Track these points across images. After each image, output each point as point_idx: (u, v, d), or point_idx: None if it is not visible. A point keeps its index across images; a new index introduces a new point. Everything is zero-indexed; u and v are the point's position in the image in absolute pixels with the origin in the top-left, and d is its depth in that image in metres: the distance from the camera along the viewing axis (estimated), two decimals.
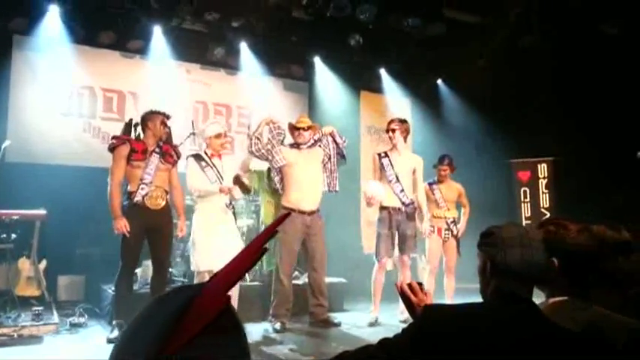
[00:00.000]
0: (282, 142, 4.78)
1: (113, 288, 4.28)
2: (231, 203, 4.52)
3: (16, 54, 5.80)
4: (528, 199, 7.69)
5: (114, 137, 4.33)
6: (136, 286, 4.85)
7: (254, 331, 4.43)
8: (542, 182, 7.65)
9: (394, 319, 4.85)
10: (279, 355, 3.93)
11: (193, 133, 5.31)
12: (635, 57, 6.13)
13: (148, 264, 5.10)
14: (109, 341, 3.92)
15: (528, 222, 7.58)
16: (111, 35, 6.11)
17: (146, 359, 0.61)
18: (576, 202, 6.28)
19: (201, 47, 6.65)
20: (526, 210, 7.69)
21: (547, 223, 1.66)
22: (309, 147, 4.78)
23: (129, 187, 4.17)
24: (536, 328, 1.30)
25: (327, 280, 5.04)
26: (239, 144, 6.73)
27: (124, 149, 4.14)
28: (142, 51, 6.36)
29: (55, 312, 4.60)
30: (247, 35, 6.60)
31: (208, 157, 4.49)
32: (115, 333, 3.98)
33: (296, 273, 5.31)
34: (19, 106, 5.76)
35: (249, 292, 4.90)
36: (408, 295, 1.69)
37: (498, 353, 1.25)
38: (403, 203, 4.86)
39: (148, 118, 4.31)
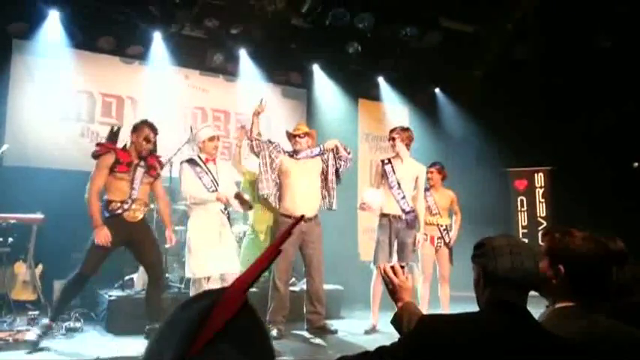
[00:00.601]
0: (280, 151, 4.78)
1: (62, 288, 4.10)
2: (226, 209, 4.47)
3: (15, 58, 5.82)
4: (525, 208, 7.72)
5: (99, 144, 4.21)
6: (131, 292, 4.85)
7: None
8: (539, 191, 7.69)
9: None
10: None
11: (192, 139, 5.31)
12: (629, 68, 6.19)
13: None
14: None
15: (525, 231, 7.61)
16: (110, 40, 6.14)
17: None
18: (573, 211, 6.31)
19: (201, 53, 6.68)
20: (523, 219, 7.72)
21: (552, 230, 1.67)
22: (308, 158, 4.78)
23: (108, 196, 4.05)
24: (530, 336, 1.31)
25: (324, 287, 5.04)
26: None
27: (109, 159, 4.01)
28: (141, 56, 6.39)
29: None
30: (246, 42, 6.64)
31: (203, 162, 4.41)
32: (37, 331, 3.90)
33: (292, 279, 5.31)
34: (18, 110, 5.77)
35: None
36: (391, 277, 1.72)
37: None
38: (403, 210, 4.86)
39: (135, 128, 4.19)
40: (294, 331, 4.75)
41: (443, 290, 5.22)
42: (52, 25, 5.74)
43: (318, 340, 4.57)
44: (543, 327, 1.35)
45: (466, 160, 7.52)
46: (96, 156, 4.06)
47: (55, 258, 5.03)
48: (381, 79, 7.73)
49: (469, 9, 6.51)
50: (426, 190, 5.32)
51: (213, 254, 4.21)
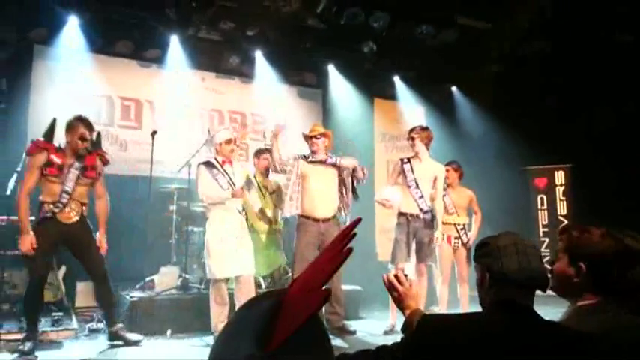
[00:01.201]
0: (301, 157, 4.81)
1: (24, 300, 3.92)
2: (243, 209, 4.50)
3: (36, 63, 5.93)
4: (545, 207, 7.62)
5: (33, 142, 3.91)
6: (152, 292, 4.90)
7: None
8: (560, 189, 7.57)
9: None
10: None
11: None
12: None
13: (166, 271, 5.16)
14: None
15: (545, 230, 7.51)
16: (129, 45, 6.22)
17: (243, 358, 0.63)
18: (594, 209, 6.21)
19: (217, 56, 6.74)
20: (543, 218, 7.62)
21: (569, 228, 1.65)
22: (326, 165, 4.78)
23: (42, 197, 3.83)
24: (540, 336, 1.28)
25: (343, 287, 5.04)
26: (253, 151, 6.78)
27: (40, 159, 3.76)
28: (158, 60, 6.46)
29: (74, 317, 4.65)
30: (262, 44, 6.68)
31: (219, 163, 4.45)
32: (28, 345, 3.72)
33: None
34: (40, 114, 5.86)
35: None
36: (395, 286, 1.70)
37: None
38: (421, 210, 4.84)
39: (68, 127, 3.89)
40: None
41: (462, 290, 5.18)
42: (72, 30, 5.84)
43: (337, 341, 4.57)
44: (553, 325, 1.32)
45: (484, 158, 7.44)
46: (28, 154, 3.83)
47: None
48: (396, 78, 7.70)
49: (484, 5, 6.45)
50: (443, 189, 5.29)
51: (231, 256, 4.24)
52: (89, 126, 3.93)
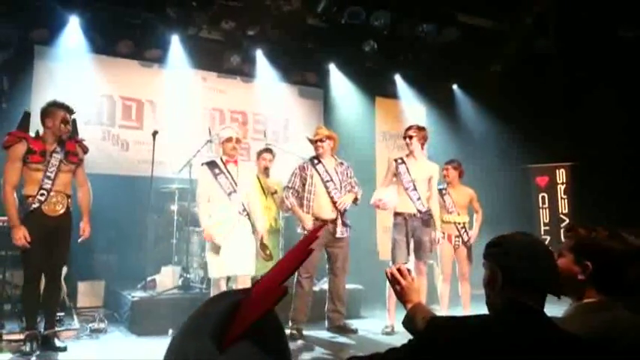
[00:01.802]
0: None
1: (22, 302, 3.94)
2: (244, 210, 4.43)
3: (37, 64, 5.93)
4: (547, 205, 7.60)
5: (9, 133, 3.80)
6: (154, 292, 4.91)
7: None
8: (561, 188, 7.56)
9: None
10: None
11: (210, 141, 5.35)
12: None
13: (168, 271, 5.17)
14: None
15: (546, 228, 7.50)
16: (129, 45, 6.22)
17: (199, 355, 0.65)
18: (595, 207, 6.20)
19: (218, 55, 6.73)
20: (544, 216, 7.60)
21: (576, 227, 1.65)
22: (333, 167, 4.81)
23: (24, 191, 3.73)
24: (548, 340, 1.27)
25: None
26: (255, 150, 6.78)
27: (20, 149, 3.66)
28: (159, 60, 6.46)
29: (75, 318, 4.67)
30: (263, 43, 6.67)
31: (223, 163, 4.41)
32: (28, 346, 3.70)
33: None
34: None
35: None
36: (398, 279, 1.69)
37: None
38: (419, 210, 4.84)
39: (47, 112, 3.80)
40: (315, 330, 4.76)
41: (463, 289, 5.18)
42: (73, 30, 5.84)
43: (338, 339, 4.57)
44: (564, 330, 1.31)
45: (486, 157, 7.43)
46: (6, 147, 3.69)
47: (80, 260, 5.12)
48: (398, 77, 7.69)
49: (486, 3, 6.43)
50: (443, 187, 5.28)
51: (230, 255, 4.23)
52: (68, 109, 3.86)
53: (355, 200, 4.79)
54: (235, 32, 6.32)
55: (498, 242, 1.42)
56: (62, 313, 4.46)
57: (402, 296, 1.69)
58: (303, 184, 4.72)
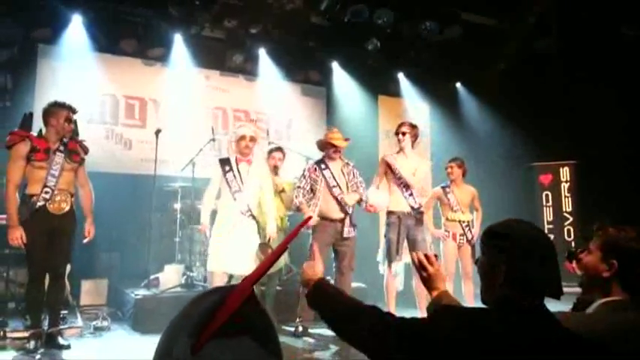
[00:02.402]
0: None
1: (24, 299, 3.98)
2: (248, 210, 4.42)
3: (40, 62, 5.95)
4: (550, 203, 7.59)
5: (11, 132, 3.80)
6: (157, 290, 4.92)
7: None
8: (565, 186, 7.54)
9: None
10: (298, 358, 3.94)
11: (213, 139, 5.35)
12: None
13: (171, 269, 5.18)
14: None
15: (550, 226, 7.48)
16: (132, 43, 6.23)
17: (183, 352, 0.66)
18: (599, 206, 6.17)
19: (220, 54, 6.73)
20: (548, 214, 7.59)
21: (605, 226, 1.67)
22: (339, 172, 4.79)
23: (28, 190, 3.74)
24: (549, 339, 1.23)
25: None
26: (257, 149, 6.78)
27: (23, 148, 3.68)
28: (162, 58, 6.46)
29: (79, 316, 4.68)
30: (265, 41, 6.67)
31: (235, 161, 4.44)
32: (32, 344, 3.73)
33: None
34: None
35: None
36: (425, 266, 1.67)
37: None
38: (412, 207, 4.83)
39: (50, 112, 3.83)
40: (319, 328, 4.76)
41: (466, 287, 5.17)
42: (76, 29, 5.86)
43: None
44: (565, 329, 1.27)
45: (489, 155, 7.41)
46: (9, 146, 3.70)
47: (83, 258, 5.14)
48: (401, 75, 7.68)
49: (489, 2, 6.41)
50: (447, 186, 5.28)
51: (230, 252, 4.24)
52: (71, 108, 3.90)
53: (360, 201, 4.78)
54: (238, 31, 6.32)
55: (504, 233, 1.32)
56: (66, 311, 4.47)
57: (428, 283, 1.68)
58: (312, 188, 4.72)
